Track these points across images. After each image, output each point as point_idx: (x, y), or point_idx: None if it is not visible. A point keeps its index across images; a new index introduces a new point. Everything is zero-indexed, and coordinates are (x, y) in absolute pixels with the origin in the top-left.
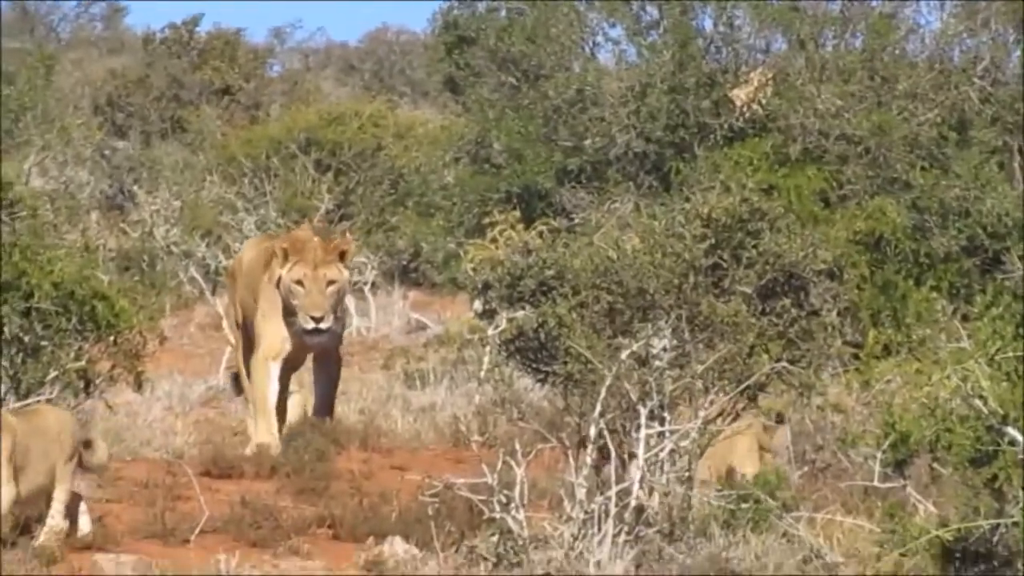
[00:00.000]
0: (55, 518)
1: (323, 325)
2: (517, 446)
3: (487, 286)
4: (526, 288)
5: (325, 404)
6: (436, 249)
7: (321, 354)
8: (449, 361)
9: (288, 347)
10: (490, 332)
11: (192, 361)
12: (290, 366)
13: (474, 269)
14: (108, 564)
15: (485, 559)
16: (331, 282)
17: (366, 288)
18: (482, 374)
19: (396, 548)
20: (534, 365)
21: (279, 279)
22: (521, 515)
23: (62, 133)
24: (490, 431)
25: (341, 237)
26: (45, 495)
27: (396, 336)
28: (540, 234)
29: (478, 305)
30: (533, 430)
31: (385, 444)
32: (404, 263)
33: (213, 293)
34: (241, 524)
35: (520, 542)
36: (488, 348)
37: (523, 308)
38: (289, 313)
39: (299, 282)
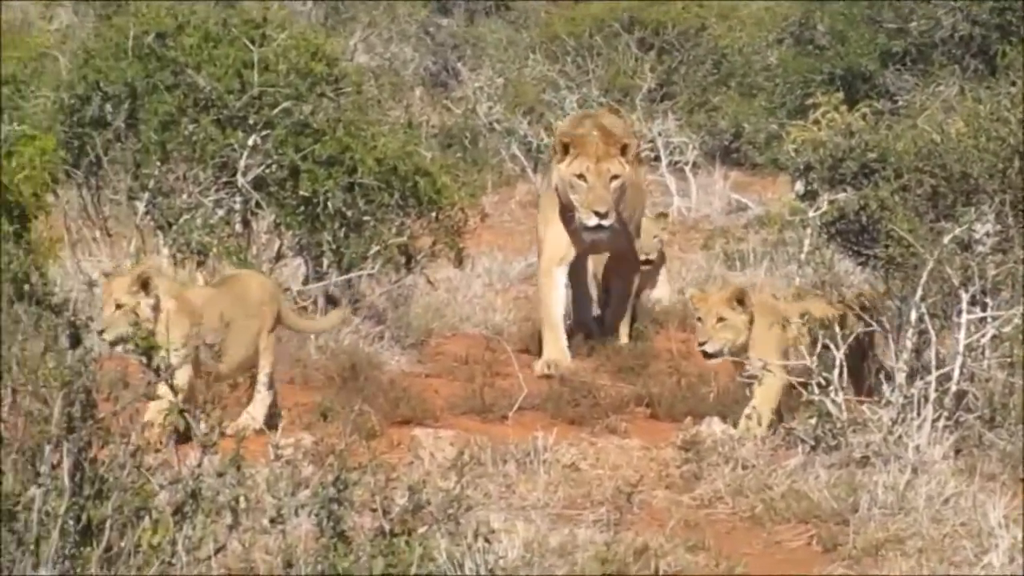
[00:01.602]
0: (261, 392)
1: (606, 221)
2: (836, 329)
3: (809, 167)
4: (848, 170)
5: (614, 317)
6: (758, 130)
7: (613, 260)
8: (769, 242)
9: (573, 253)
10: (811, 214)
11: (512, 238)
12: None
13: (796, 150)
14: (426, 438)
15: (803, 441)
16: (614, 176)
17: (687, 168)
18: (802, 256)
19: (713, 428)
20: (855, 248)
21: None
22: (840, 398)
23: (388, 10)
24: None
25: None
26: (252, 367)
27: (716, 216)
28: (863, 116)
29: (799, 186)
30: (853, 313)
31: None
32: (726, 143)
33: (535, 171)
34: (559, 402)
35: (838, 425)
36: (809, 230)
37: (845, 190)
38: (569, 210)
39: (581, 176)
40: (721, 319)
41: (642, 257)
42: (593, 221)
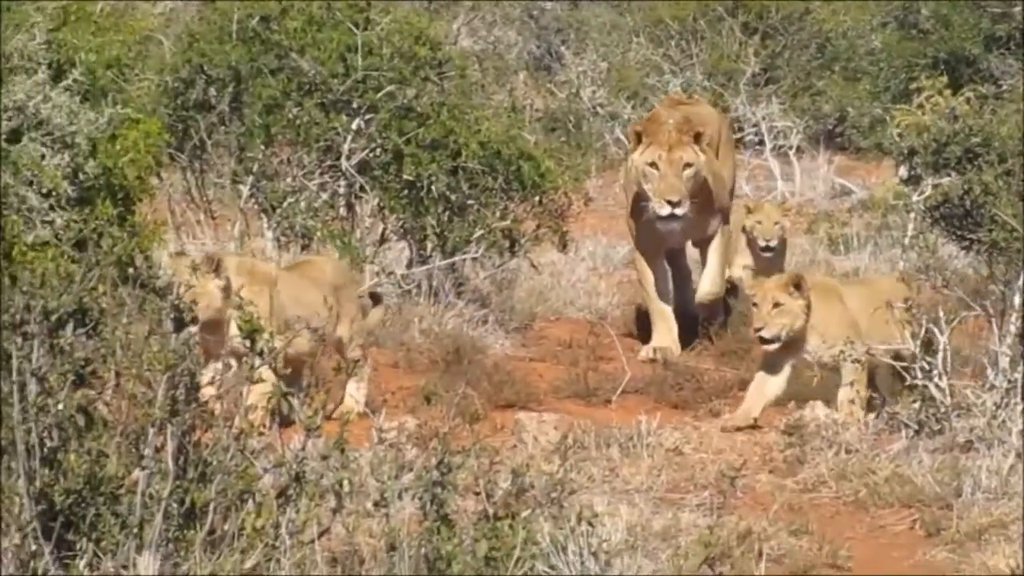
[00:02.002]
0: (358, 374)
1: (679, 211)
2: (940, 313)
3: (913, 152)
4: (952, 154)
5: (707, 294)
6: (862, 114)
7: (700, 244)
8: (873, 227)
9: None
10: (915, 198)
11: (616, 222)
12: (673, 254)
13: (900, 135)
14: (530, 422)
15: (906, 426)
16: (687, 165)
17: (791, 152)
18: (906, 240)
19: (817, 412)
20: (959, 232)
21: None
22: (944, 383)
23: None
24: (913, 297)
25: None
26: (337, 346)
27: (820, 200)
28: (967, 100)
29: (903, 171)
30: (957, 297)
31: None
32: (829, 127)
33: None
34: (663, 386)
35: (942, 409)
36: (913, 214)
37: (949, 174)
38: (642, 199)
39: (653, 164)
40: (777, 304)
41: (762, 243)
42: (666, 210)
